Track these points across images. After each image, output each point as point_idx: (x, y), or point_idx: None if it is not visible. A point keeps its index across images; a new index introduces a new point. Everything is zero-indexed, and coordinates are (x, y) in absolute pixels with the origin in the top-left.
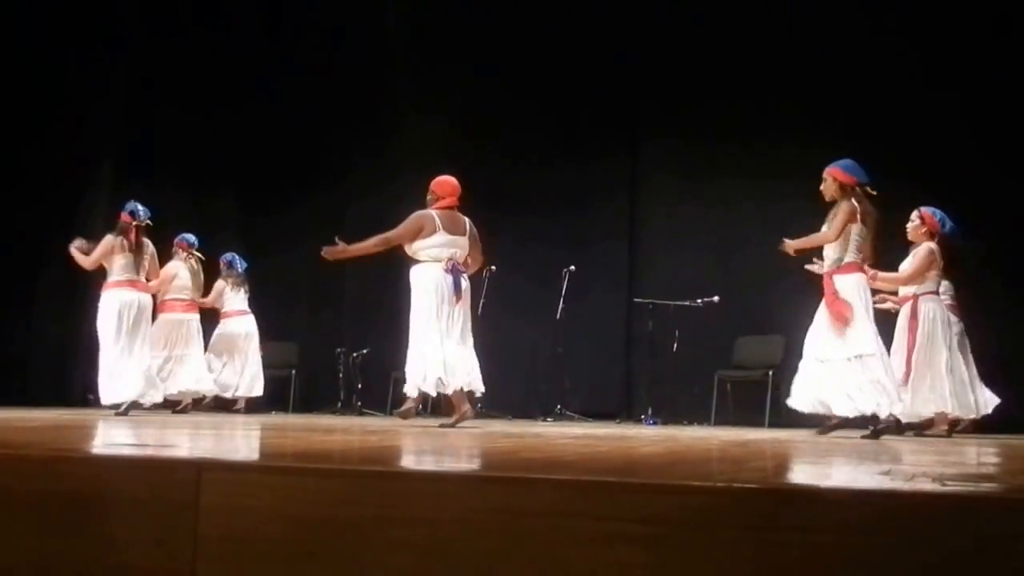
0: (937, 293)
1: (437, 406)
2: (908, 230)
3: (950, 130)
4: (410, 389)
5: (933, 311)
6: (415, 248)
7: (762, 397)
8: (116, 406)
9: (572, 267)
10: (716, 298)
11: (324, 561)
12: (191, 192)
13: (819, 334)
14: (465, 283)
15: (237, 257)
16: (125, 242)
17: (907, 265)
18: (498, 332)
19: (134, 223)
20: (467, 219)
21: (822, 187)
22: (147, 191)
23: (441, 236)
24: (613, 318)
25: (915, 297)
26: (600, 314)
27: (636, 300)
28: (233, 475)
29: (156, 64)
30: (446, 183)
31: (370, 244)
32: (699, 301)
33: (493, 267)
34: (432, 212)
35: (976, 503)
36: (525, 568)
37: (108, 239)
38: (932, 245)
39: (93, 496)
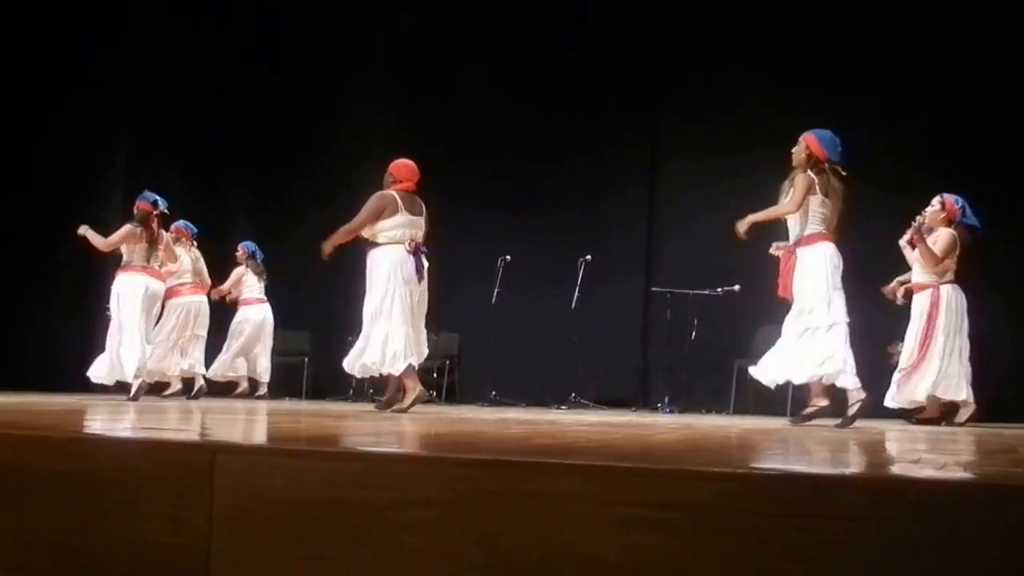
0: (955, 282)
1: (377, 388)
2: (927, 215)
3: (979, 115)
4: (384, 370)
5: (956, 300)
6: (375, 230)
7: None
8: (126, 387)
9: (588, 257)
10: (736, 287)
11: (336, 543)
12: (204, 182)
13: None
14: (426, 263)
15: (256, 247)
16: (144, 232)
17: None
18: (513, 321)
19: (155, 212)
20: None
21: (793, 150)
22: (161, 181)
23: (402, 216)
24: (630, 307)
25: (936, 286)
26: (617, 303)
27: (654, 289)
28: (247, 458)
29: (170, 56)
30: (405, 166)
31: (337, 237)
32: (719, 290)
33: (508, 256)
34: (392, 192)
35: (1007, 492)
36: (538, 553)
37: (128, 227)
38: (953, 231)
39: (111, 477)
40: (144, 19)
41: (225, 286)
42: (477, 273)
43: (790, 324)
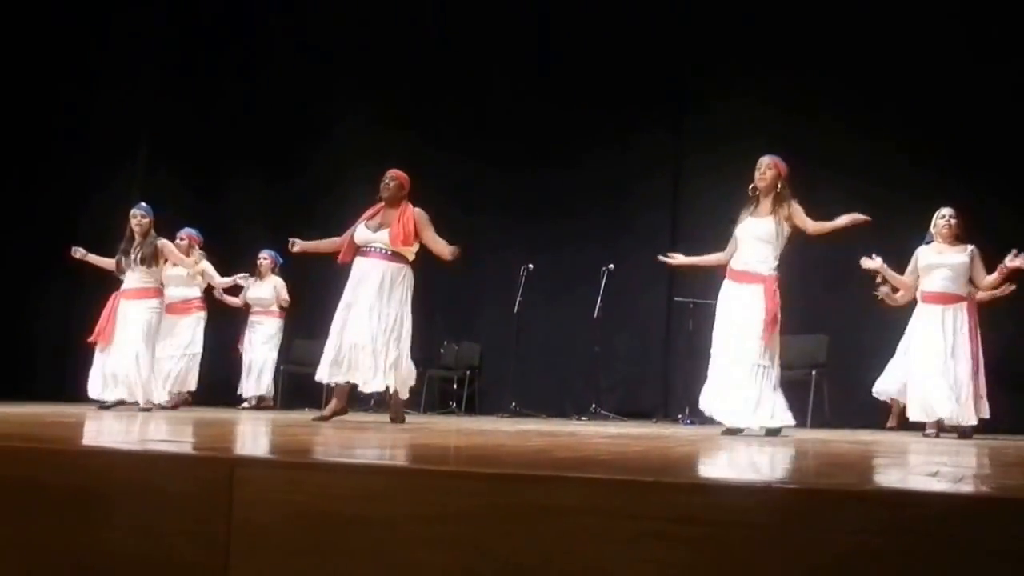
0: None
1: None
2: (944, 228)
3: (1000, 113)
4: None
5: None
6: (410, 249)
7: (804, 397)
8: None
9: (611, 265)
10: None
11: (355, 557)
12: (218, 184)
13: (743, 337)
14: None
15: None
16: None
17: (970, 266)
18: (534, 330)
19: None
20: None
21: (766, 175)
22: (173, 181)
23: None
24: (652, 317)
25: (971, 298)
26: (639, 313)
27: (676, 299)
28: (266, 471)
29: (182, 52)
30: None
31: (449, 252)
32: None
33: (531, 265)
34: None
35: None
36: (558, 567)
37: (172, 244)
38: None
39: (127, 491)
40: (162, 17)
41: (285, 298)
42: (498, 281)
43: (746, 353)
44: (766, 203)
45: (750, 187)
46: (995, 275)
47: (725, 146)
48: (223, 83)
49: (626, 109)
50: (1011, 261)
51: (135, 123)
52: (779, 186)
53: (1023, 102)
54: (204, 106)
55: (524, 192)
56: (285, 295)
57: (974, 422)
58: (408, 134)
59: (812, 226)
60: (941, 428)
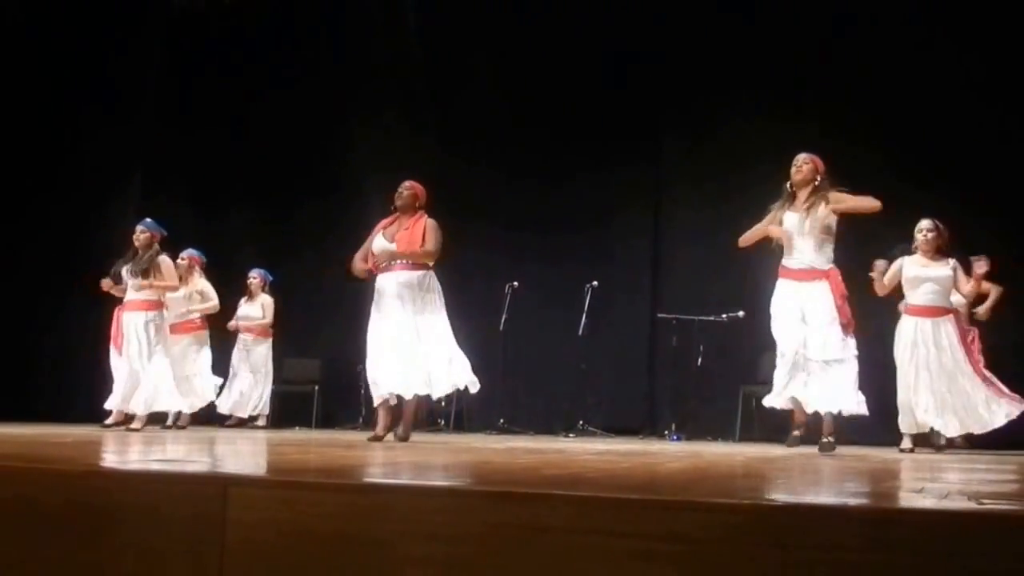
0: None
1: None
2: (926, 239)
3: (982, 133)
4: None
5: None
6: (429, 257)
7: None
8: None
9: (595, 283)
10: (741, 313)
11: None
12: (212, 204)
13: (819, 334)
14: None
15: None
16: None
17: (953, 279)
18: (520, 348)
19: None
20: None
21: (802, 168)
22: (170, 206)
23: None
24: (636, 333)
25: (956, 311)
26: (623, 330)
27: (660, 315)
28: (258, 490)
29: (183, 79)
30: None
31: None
32: (724, 316)
33: (515, 283)
34: None
35: (1013, 522)
36: None
37: (169, 260)
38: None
39: (123, 510)
40: (158, 45)
41: (269, 320)
42: (484, 299)
43: (827, 350)
44: (802, 197)
45: (787, 183)
46: (971, 285)
47: (705, 176)
48: (219, 108)
49: (608, 138)
50: (978, 268)
51: (133, 145)
52: (817, 179)
53: (999, 112)
54: (200, 130)
55: (508, 211)
56: (271, 316)
57: (985, 430)
58: (393, 160)
59: (855, 203)
60: (918, 443)
